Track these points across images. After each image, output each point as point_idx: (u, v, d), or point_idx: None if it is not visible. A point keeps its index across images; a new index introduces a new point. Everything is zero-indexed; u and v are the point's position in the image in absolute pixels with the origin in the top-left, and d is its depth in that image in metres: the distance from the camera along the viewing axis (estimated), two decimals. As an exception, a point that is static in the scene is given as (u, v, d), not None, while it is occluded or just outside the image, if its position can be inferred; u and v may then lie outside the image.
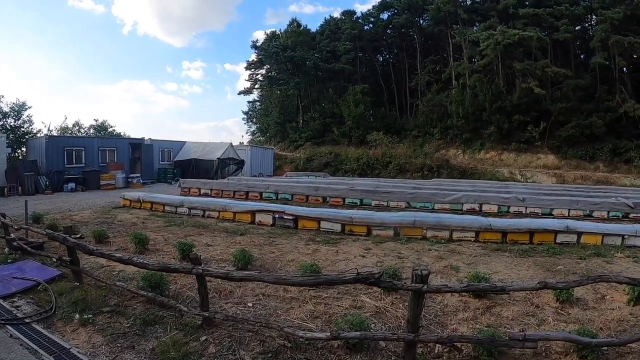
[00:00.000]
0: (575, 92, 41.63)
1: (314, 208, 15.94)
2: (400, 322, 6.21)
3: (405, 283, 5.05)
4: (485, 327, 5.95)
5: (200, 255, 6.61)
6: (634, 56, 42.78)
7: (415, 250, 11.02)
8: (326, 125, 53.29)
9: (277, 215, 14.68)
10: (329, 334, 5.07)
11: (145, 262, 6.65)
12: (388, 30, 57.90)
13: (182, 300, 6.97)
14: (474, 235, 12.54)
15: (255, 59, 62.36)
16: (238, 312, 6.63)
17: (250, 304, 6.95)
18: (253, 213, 15.37)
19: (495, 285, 5.11)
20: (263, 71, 64.22)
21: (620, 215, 17.79)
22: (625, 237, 12.51)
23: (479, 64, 44.51)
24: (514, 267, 9.55)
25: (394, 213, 14.99)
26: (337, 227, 13.47)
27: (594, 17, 45.07)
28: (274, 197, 21.89)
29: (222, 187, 23.63)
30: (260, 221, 15.01)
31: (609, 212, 17.90)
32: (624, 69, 43.48)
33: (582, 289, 7.78)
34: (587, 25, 48.54)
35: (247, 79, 66.30)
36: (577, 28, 46.90)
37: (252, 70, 64.24)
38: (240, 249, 9.10)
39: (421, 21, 56.04)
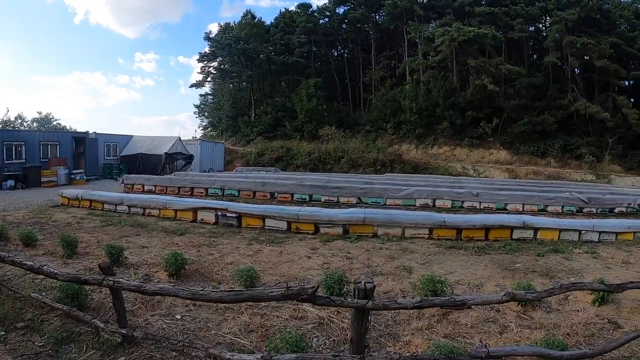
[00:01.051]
0: (528, 90, 42.68)
1: (259, 205, 15.18)
2: (348, 335, 5.50)
3: (345, 299, 4.14)
4: (443, 337, 5.55)
5: (128, 260, 5.68)
6: (586, 57, 43.93)
7: (366, 250, 10.47)
8: (278, 119, 52.12)
9: (219, 213, 13.80)
10: (259, 356, 4.34)
11: (55, 271, 5.82)
12: (343, 25, 57.22)
13: (105, 313, 6.15)
14: (427, 232, 12.10)
15: (208, 51, 60.64)
16: (164, 326, 5.92)
17: (178, 316, 6.23)
18: (195, 211, 14.38)
19: (454, 300, 4.29)
20: (215, 64, 62.50)
21: (575, 210, 17.99)
22: (583, 232, 12.46)
23: (434, 60, 44.50)
24: (470, 267, 9.18)
25: (343, 210, 14.27)
26: (283, 225, 12.73)
27: (548, 18, 46.06)
28: (220, 194, 20.94)
29: (167, 183, 22.50)
30: (202, 219, 14.08)
31: (563, 206, 18.05)
32: (576, 69, 44.89)
33: (543, 289, 7.28)
34: (541, 25, 49.86)
35: (199, 71, 64.54)
36: (531, 28, 48.38)
37: (205, 62, 62.51)
38: (172, 252, 8.11)
39: (377, 17, 55.69)
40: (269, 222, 12.92)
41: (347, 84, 55.96)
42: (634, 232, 13.20)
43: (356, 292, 4.16)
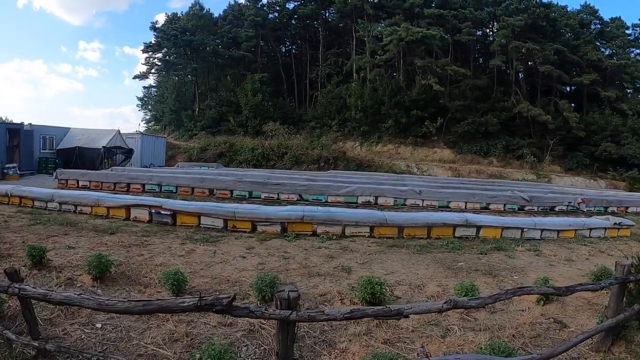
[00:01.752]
0: (473, 91, 43.79)
1: (195, 202, 14.30)
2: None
3: (267, 310, 3.52)
4: (382, 343, 5.19)
5: (52, 262, 4.91)
6: (529, 63, 46.04)
7: (304, 249, 9.99)
8: (222, 114, 50.78)
9: (153, 211, 12.81)
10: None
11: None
12: (293, 21, 56.50)
13: (21, 323, 5.28)
14: (368, 231, 11.71)
15: (153, 42, 58.70)
16: (83, 336, 5.19)
17: (99, 325, 5.48)
18: (128, 208, 13.32)
19: (389, 310, 3.71)
20: (160, 55, 60.41)
21: (516, 208, 18.25)
22: (525, 230, 12.53)
23: (381, 59, 44.64)
24: (412, 266, 8.87)
25: (281, 207, 13.72)
26: (219, 224, 11.97)
27: (496, 23, 47.69)
28: (157, 190, 19.78)
29: (102, 178, 21.07)
30: (135, 217, 13.05)
31: (505, 205, 18.27)
32: (520, 73, 46.95)
33: (488, 288, 7.33)
34: (488, 30, 51.48)
35: (143, 62, 62.44)
36: (479, 32, 49.88)
37: (150, 53, 60.18)
38: (97, 254, 7.25)
39: (327, 14, 55.44)
40: (204, 220, 12.14)
41: (294, 80, 55.31)
42: (575, 230, 13.48)
43: (279, 302, 3.58)
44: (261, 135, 44.77)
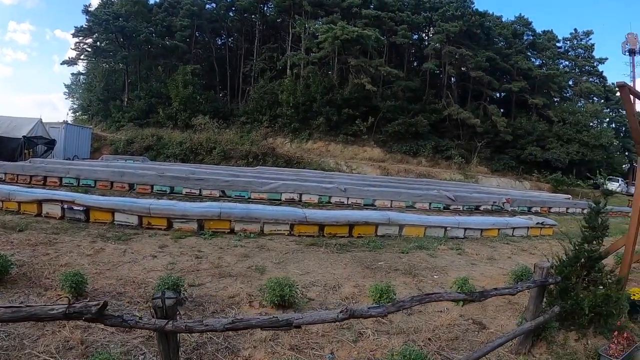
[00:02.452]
0: (405, 93, 45.08)
1: (109, 197, 13.15)
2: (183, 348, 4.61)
3: (141, 318, 2.86)
4: (289, 349, 4.84)
5: None
6: (462, 68, 47.84)
7: (219, 247, 9.33)
8: (152, 105, 48.80)
9: (66, 206, 11.63)
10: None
11: None
12: (230, 13, 55.71)
13: None
14: (288, 229, 11.19)
15: (85, 26, 55.59)
16: None
17: None
18: (40, 203, 12.04)
19: (275, 319, 3.09)
20: (91, 40, 57.56)
21: (442, 207, 18.44)
22: (448, 228, 12.53)
23: (315, 56, 44.66)
24: (329, 266, 8.48)
25: (198, 203, 12.89)
26: (134, 220, 11.02)
27: (432, 28, 48.95)
28: (75, 184, 18.33)
29: (18, 171, 19.34)
30: (47, 213, 11.80)
31: (430, 203, 18.39)
32: (453, 77, 48.98)
33: (406, 289, 7.18)
34: (424, 35, 52.71)
35: (73, 47, 58.88)
36: (415, 36, 51.07)
37: (80, 38, 56.81)
38: None
39: (265, 8, 54.84)
40: (119, 217, 11.14)
41: (228, 74, 54.04)
42: (499, 229, 13.69)
43: (154, 311, 3.05)
44: (190, 128, 43.51)
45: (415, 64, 53.03)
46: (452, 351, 5.01)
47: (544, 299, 5.37)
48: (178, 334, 3.27)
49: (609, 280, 5.96)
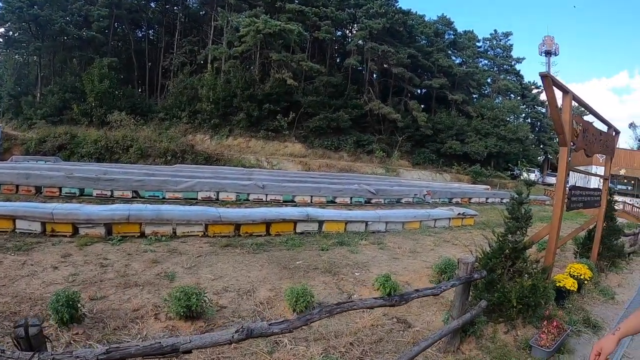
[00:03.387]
0: (327, 88, 44.79)
1: (10, 202, 11.77)
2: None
3: (3, 352, 2.16)
4: None
5: None
6: (384, 65, 48.31)
7: (127, 254, 8.51)
8: (66, 101, 45.64)
9: None
10: None
11: None
12: (152, 4, 53.37)
13: None
14: (202, 230, 10.44)
15: (-4, 14, 51.93)
16: None
17: None
18: None
19: (159, 345, 2.43)
20: (3, 30, 53.36)
21: (363, 201, 18.40)
22: (369, 222, 12.36)
23: (237, 50, 43.40)
24: (244, 268, 7.98)
25: (105, 206, 11.72)
26: (37, 227, 9.77)
27: (356, 25, 49.13)
28: (-25, 188, 16.95)
29: None
30: None
31: (351, 198, 18.33)
32: (374, 73, 49.34)
33: (326, 289, 6.88)
34: (348, 31, 53.11)
35: (-16, 37, 54.53)
36: (339, 33, 51.45)
37: (-8, 27, 53.41)
38: None
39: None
40: (20, 224, 9.84)
41: (146, 68, 51.74)
42: (420, 221, 13.69)
43: (16, 342, 2.45)
44: (106, 126, 41.44)
45: (338, 60, 53.31)
46: (377, 355, 4.74)
47: (470, 292, 5.16)
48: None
49: (534, 270, 5.89)
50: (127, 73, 50.24)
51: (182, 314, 5.11)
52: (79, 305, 5.04)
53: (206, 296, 5.46)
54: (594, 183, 22.88)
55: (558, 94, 6.13)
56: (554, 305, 6.35)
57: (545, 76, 5.79)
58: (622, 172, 32.42)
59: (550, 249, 6.62)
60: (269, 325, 2.81)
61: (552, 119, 6.34)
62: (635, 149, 54.21)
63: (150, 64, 51.71)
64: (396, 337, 5.24)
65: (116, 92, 44.65)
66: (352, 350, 4.80)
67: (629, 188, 33.52)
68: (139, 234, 9.96)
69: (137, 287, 6.54)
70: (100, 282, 6.65)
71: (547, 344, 4.94)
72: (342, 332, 5.27)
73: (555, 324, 5.18)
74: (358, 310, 5.68)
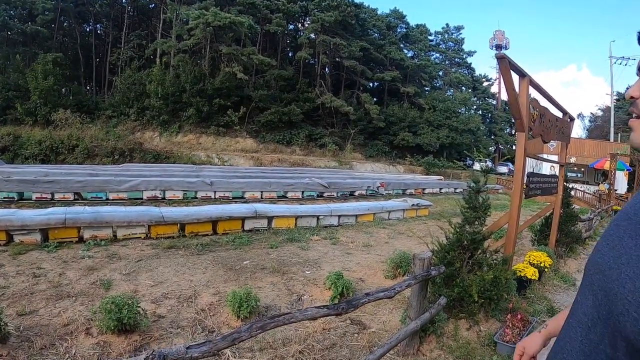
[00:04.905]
0: (278, 82, 44.81)
1: None
2: None
3: None
4: None
5: None
6: (337, 58, 48.47)
7: (63, 261, 7.75)
8: (9, 100, 43.17)
9: None
10: None
11: None
12: (100, -4, 51.50)
13: None
14: (144, 231, 9.77)
15: None
16: None
17: None
18: None
19: None
20: (-57, 24, 50.96)
21: (315, 195, 18.29)
22: (321, 217, 12.13)
23: (186, 44, 42.53)
24: (187, 271, 7.39)
25: (41, 210, 10.88)
26: None
27: (307, 18, 49.32)
28: None
29: None
30: None
31: (303, 192, 18.21)
32: (326, 66, 49.44)
33: (272, 291, 6.41)
34: (300, 25, 52.98)
35: None
36: (291, 26, 51.64)
37: None
38: None
39: (137, -8, 51.59)
40: None
41: (93, 63, 49.96)
42: (374, 214, 13.52)
43: None
44: (52, 125, 39.79)
45: (289, 53, 53.21)
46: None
47: (428, 289, 4.78)
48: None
49: (494, 261, 5.63)
50: (73, 69, 47.90)
51: (112, 327, 4.57)
52: (3, 323, 4.42)
53: (140, 307, 4.87)
54: (545, 170, 23.17)
55: (515, 78, 5.84)
56: (516, 296, 6.13)
57: (502, 57, 5.44)
58: (573, 160, 33.35)
59: (510, 238, 6.32)
60: (187, 348, 2.28)
61: (510, 103, 6.01)
62: (583, 138, 55.83)
63: (98, 59, 50.03)
64: (350, 341, 4.88)
65: (62, 90, 42.90)
66: (302, 359, 4.45)
67: (579, 175, 34.63)
68: (77, 239, 9.21)
69: (69, 299, 5.90)
70: (31, 294, 6.01)
71: (513, 339, 4.71)
72: (291, 338, 4.86)
73: (519, 316, 4.98)
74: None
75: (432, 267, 4.41)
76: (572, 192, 12.88)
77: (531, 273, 6.61)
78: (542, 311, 6.10)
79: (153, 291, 6.12)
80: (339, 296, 5.86)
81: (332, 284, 5.93)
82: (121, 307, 4.55)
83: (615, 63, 44.25)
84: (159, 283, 6.63)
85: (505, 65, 5.48)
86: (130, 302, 4.67)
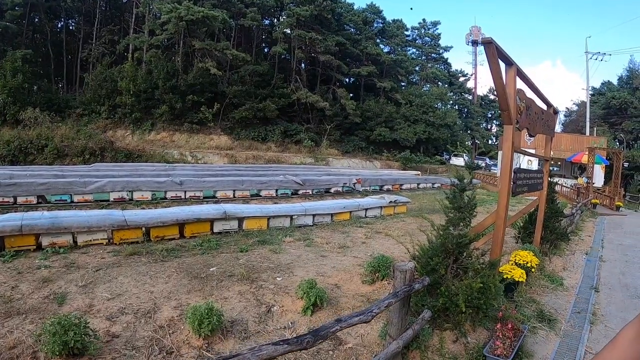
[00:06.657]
0: (252, 77, 43.82)
1: None
2: None
3: None
4: None
5: None
6: (312, 53, 48.36)
7: (18, 272, 6.98)
8: None
9: None
10: None
11: None
12: (71, -9, 50.07)
13: None
14: (107, 237, 9.05)
15: None
16: None
17: None
18: None
19: None
20: None
21: (290, 193, 17.97)
22: (294, 217, 11.61)
23: (158, 39, 41.73)
24: (148, 281, 6.71)
25: None
26: None
27: (283, 12, 48.72)
28: None
29: None
30: None
31: (277, 190, 17.83)
32: (302, 62, 49.36)
33: (240, 302, 5.82)
34: (274, 19, 52.36)
35: None
36: (266, 21, 51.15)
37: None
38: None
39: (110, -15, 50.43)
40: None
41: (64, 60, 48.42)
42: (350, 212, 13.11)
43: None
44: (21, 124, 38.54)
45: (265, 48, 52.71)
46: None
47: (410, 300, 4.34)
48: None
49: (481, 265, 5.21)
50: (43, 66, 46.50)
51: (59, 352, 4.01)
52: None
53: (89, 327, 4.30)
54: (523, 165, 23.10)
55: (502, 66, 5.45)
56: (504, 301, 5.76)
57: (489, 42, 5.04)
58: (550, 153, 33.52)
59: (497, 240, 5.87)
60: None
61: (497, 93, 5.60)
62: (559, 132, 56.91)
63: (70, 56, 48.68)
64: (324, 356, 4.45)
65: (32, 87, 41.49)
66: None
67: (556, 169, 34.67)
68: (35, 247, 8.46)
69: (19, 316, 5.24)
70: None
71: (505, 353, 4.30)
72: (261, 357, 4.23)
73: (510, 325, 4.58)
74: (279, 328, 5.07)
75: (415, 280, 3.93)
76: (557, 188, 12.78)
77: (519, 275, 6.20)
78: (531, 316, 5.79)
79: (109, 305, 5.52)
80: (311, 307, 5.41)
81: (305, 293, 5.38)
82: (67, 328, 3.99)
83: (590, 58, 44.57)
84: (117, 296, 5.99)
85: (492, 51, 5.11)
86: (77, 322, 4.10)
